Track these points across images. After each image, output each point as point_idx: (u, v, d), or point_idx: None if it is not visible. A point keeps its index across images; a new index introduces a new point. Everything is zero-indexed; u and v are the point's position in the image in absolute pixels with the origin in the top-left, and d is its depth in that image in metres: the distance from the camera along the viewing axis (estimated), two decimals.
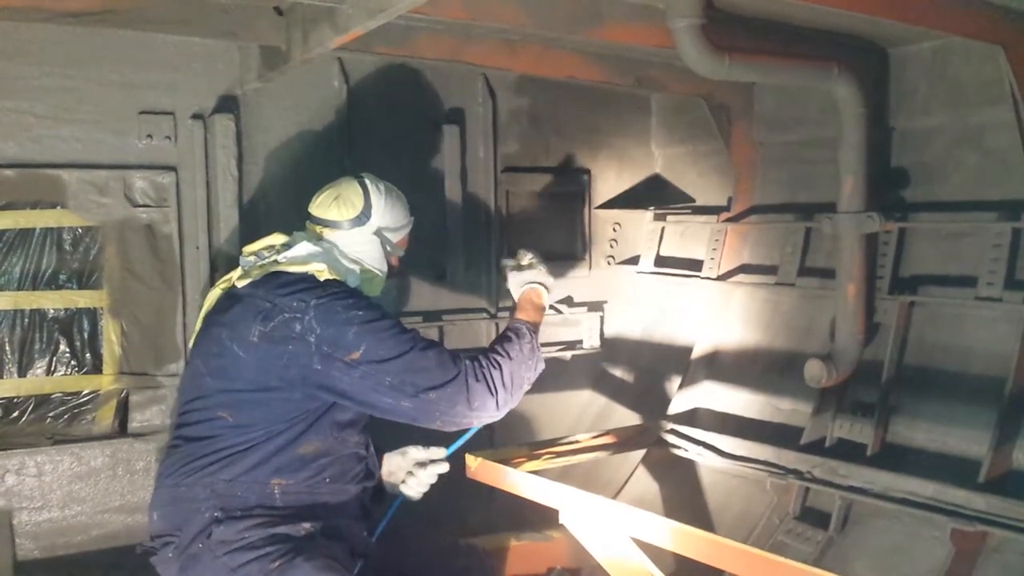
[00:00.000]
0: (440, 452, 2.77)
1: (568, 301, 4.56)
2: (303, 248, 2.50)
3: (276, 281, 2.39)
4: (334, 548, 2.37)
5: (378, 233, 2.63)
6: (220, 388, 2.36)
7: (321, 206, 2.62)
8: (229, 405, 2.34)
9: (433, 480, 2.76)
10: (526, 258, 2.89)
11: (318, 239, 2.59)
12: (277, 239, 2.60)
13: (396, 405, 2.33)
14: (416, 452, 2.78)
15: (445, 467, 2.76)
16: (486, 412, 2.43)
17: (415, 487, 2.76)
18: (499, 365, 2.46)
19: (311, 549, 2.30)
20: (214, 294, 2.56)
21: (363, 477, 2.56)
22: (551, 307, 4.46)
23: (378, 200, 2.62)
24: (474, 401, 2.38)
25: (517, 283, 2.85)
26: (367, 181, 2.64)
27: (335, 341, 2.28)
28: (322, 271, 2.40)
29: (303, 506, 2.37)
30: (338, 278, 2.43)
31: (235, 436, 2.32)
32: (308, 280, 2.38)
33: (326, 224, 2.60)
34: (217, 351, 2.38)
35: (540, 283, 2.82)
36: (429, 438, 2.71)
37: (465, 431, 2.66)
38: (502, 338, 2.60)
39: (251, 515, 2.30)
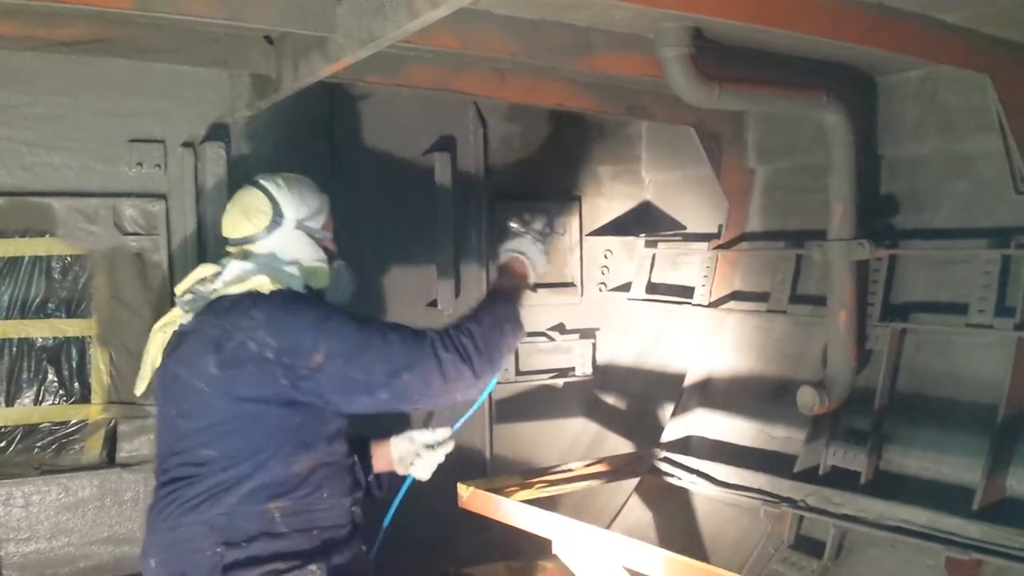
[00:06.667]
0: (446, 432, 2.68)
1: (560, 328, 4.56)
2: (235, 268, 2.42)
3: (220, 306, 2.33)
4: None
5: (299, 226, 2.52)
6: (195, 428, 2.29)
7: (233, 226, 2.52)
8: (210, 442, 2.27)
9: (441, 460, 2.69)
10: (514, 224, 2.78)
11: (244, 258, 2.49)
12: (207, 270, 2.49)
13: (373, 400, 2.27)
14: (422, 435, 2.69)
15: (451, 446, 2.69)
16: (463, 382, 2.31)
17: (424, 469, 2.69)
18: (469, 331, 2.35)
19: None
20: (158, 338, 2.47)
21: (354, 488, 2.51)
22: (546, 334, 4.51)
23: (283, 196, 2.51)
24: (448, 373, 2.27)
25: (502, 250, 2.76)
26: (263, 182, 2.54)
27: (294, 349, 2.21)
28: (264, 284, 2.32)
29: (304, 528, 2.31)
30: (281, 287, 2.35)
31: (223, 471, 2.26)
32: (252, 296, 2.31)
33: (245, 242, 2.50)
34: (181, 391, 2.31)
35: (521, 252, 2.72)
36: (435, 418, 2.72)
37: (465, 407, 2.60)
38: (476, 307, 2.52)
39: (254, 553, 2.24)
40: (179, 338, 2.40)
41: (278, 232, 2.50)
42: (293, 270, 2.48)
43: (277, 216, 2.49)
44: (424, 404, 2.39)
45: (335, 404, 2.32)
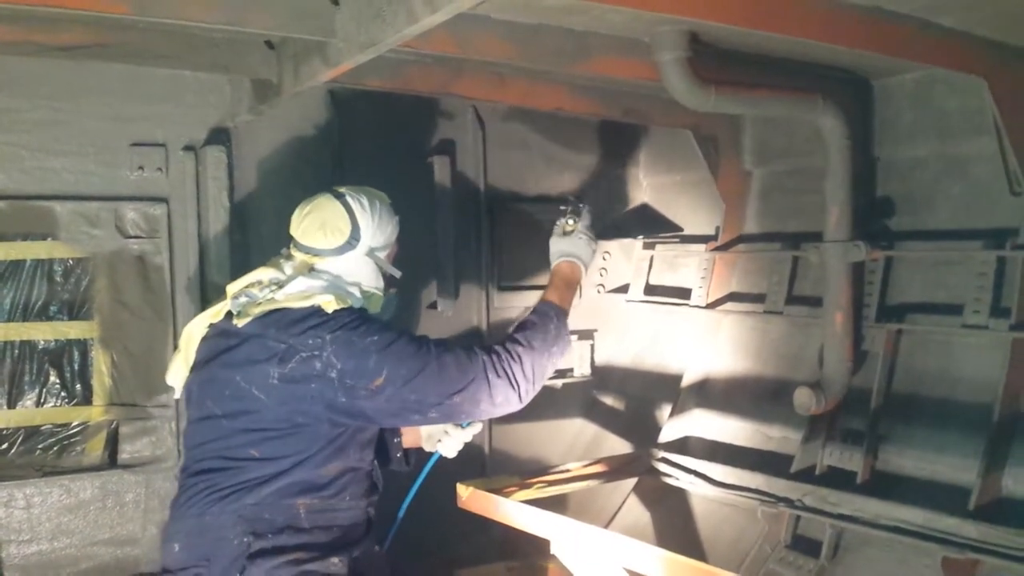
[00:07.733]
0: None
1: None
2: (300, 284, 2.43)
3: (284, 319, 2.34)
4: None
5: (370, 254, 2.53)
6: (241, 429, 2.32)
7: (306, 233, 2.51)
8: (254, 444, 2.31)
9: (468, 439, 2.78)
10: (569, 222, 2.74)
11: (308, 269, 2.50)
12: (263, 274, 2.49)
13: (422, 418, 2.38)
14: None
15: (479, 426, 2.79)
16: (509, 405, 2.44)
17: (451, 447, 2.78)
18: (519, 357, 2.44)
19: None
20: (200, 331, 2.49)
21: (371, 492, 2.57)
22: None
23: (364, 220, 2.51)
24: (496, 397, 2.38)
25: (555, 251, 2.75)
26: (349, 200, 2.52)
27: (357, 372, 2.27)
28: (329, 302, 2.35)
29: (325, 525, 2.38)
30: (344, 306, 2.38)
31: (263, 468, 2.31)
32: (317, 314, 2.33)
33: (313, 252, 2.50)
34: (231, 394, 2.33)
35: (577, 257, 2.72)
36: None
37: None
38: (526, 323, 2.56)
39: (280, 543, 2.29)
40: (227, 339, 2.41)
41: (350, 254, 2.51)
42: (355, 291, 2.50)
43: (353, 239, 2.50)
44: (470, 419, 2.53)
45: (384, 422, 2.42)
